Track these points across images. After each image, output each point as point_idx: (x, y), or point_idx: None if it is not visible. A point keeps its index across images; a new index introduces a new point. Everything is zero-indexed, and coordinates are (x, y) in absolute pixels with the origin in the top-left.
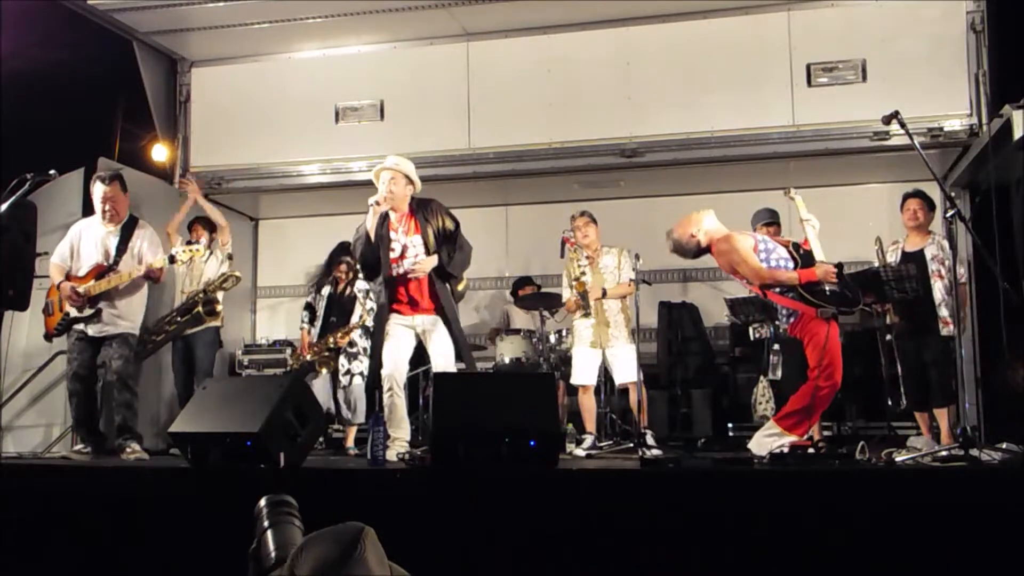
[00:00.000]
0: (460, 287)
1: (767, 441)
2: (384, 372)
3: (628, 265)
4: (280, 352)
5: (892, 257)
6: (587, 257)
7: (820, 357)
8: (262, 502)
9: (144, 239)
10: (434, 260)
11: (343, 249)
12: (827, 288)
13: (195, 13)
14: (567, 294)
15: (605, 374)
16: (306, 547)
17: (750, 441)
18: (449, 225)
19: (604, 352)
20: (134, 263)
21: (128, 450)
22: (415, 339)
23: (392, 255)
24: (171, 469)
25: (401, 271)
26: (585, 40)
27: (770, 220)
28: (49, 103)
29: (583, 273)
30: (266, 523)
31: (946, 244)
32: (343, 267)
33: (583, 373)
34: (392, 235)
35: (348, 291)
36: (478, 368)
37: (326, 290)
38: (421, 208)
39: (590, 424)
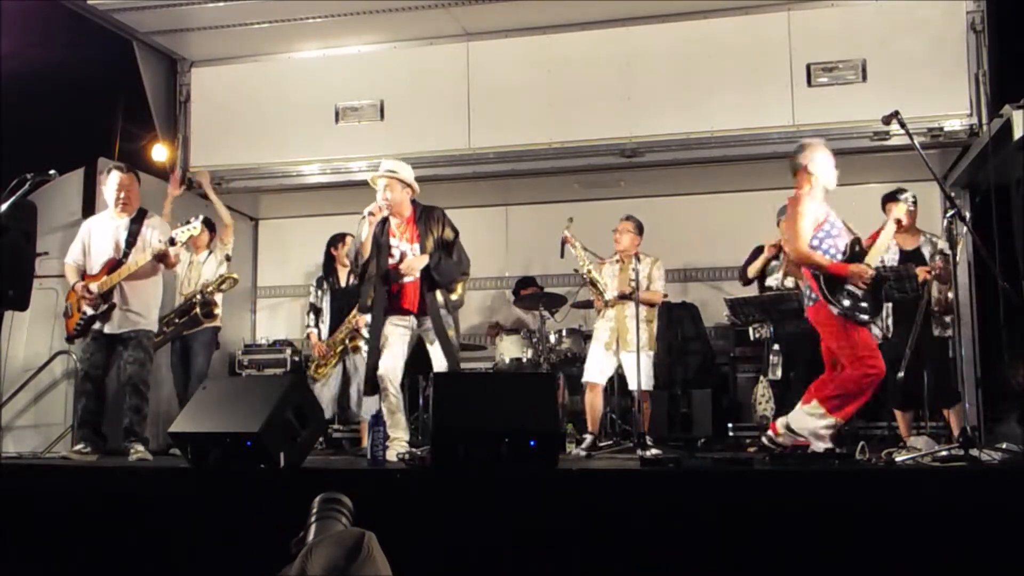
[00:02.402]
0: (454, 296)
1: (809, 420)
2: (380, 372)
3: (660, 276)
4: (280, 352)
5: (890, 257)
6: (618, 261)
7: (849, 350)
8: (317, 498)
9: (153, 227)
10: (424, 259)
11: (336, 240)
12: (849, 289)
13: (195, 13)
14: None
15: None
16: (314, 550)
17: (791, 413)
18: (448, 235)
19: (619, 356)
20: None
21: (132, 451)
22: (413, 339)
23: (391, 260)
24: (171, 469)
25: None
26: (585, 40)
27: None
28: (49, 103)
29: (589, 262)
30: (313, 517)
31: (938, 242)
32: (342, 254)
33: (592, 371)
34: (392, 240)
35: (351, 280)
36: (478, 368)
37: (327, 284)
38: (424, 216)
39: (592, 424)
